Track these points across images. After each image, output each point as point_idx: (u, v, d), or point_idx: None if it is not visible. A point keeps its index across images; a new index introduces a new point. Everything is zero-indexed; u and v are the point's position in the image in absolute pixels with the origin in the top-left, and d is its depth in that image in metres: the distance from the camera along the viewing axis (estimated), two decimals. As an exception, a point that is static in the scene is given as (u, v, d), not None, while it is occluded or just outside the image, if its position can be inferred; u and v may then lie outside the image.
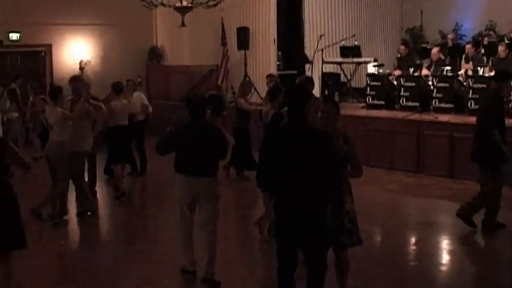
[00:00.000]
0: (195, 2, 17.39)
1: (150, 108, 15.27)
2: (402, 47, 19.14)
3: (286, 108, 9.60)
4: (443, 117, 15.03)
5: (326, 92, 19.49)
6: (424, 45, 20.03)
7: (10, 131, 15.99)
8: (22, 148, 16.17)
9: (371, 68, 19.31)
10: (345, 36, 20.91)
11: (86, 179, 12.62)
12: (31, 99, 17.92)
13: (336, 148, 6.76)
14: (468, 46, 17.75)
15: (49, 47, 22.35)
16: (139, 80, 22.16)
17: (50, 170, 11.64)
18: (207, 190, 8.32)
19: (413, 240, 10.73)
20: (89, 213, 11.92)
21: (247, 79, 19.38)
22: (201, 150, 8.21)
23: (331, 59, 20.21)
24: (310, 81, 10.61)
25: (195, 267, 8.59)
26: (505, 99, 10.51)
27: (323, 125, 7.00)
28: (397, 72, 17.88)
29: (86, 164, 12.24)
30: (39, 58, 22.68)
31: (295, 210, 6.40)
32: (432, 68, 17.36)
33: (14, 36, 21.46)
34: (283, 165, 6.43)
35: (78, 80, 12.31)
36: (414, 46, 21.22)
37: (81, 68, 22.41)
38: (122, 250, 10.25)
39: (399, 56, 19.04)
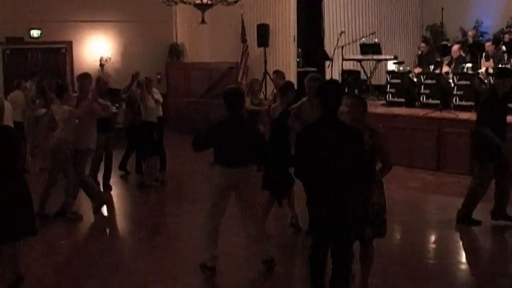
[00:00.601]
0: (215, -1, 17.40)
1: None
2: (423, 44, 19.08)
3: (294, 105, 9.69)
4: (464, 115, 14.95)
5: (346, 90, 19.45)
6: (444, 42, 19.93)
7: (38, 128, 16.10)
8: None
9: (391, 65, 19.26)
10: (365, 33, 20.88)
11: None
12: (49, 96, 17.95)
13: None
14: (488, 44, 17.66)
15: (69, 43, 22.43)
16: (159, 76, 22.33)
17: (54, 166, 11.65)
18: (247, 179, 8.53)
19: (433, 238, 10.68)
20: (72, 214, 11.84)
21: (264, 76, 19.38)
22: (240, 141, 8.40)
23: (351, 56, 20.18)
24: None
25: (215, 263, 8.61)
26: (501, 97, 10.42)
27: (351, 121, 7.06)
28: (418, 70, 17.82)
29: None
30: (59, 55, 22.76)
31: (327, 204, 6.55)
32: (453, 66, 17.30)
33: (34, 33, 21.55)
34: (316, 159, 6.56)
35: (84, 78, 12.29)
36: (434, 43, 21.13)
37: (102, 65, 22.50)
38: (141, 246, 10.28)
39: (419, 53, 18.98)
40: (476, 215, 10.65)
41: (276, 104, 10.60)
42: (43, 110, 16.06)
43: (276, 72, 14.80)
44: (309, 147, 6.65)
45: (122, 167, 15.06)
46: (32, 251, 9.38)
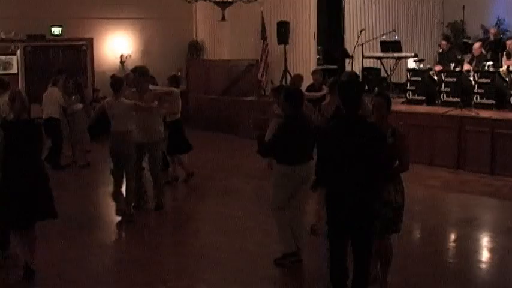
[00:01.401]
0: (235, -4, 17.41)
1: None
2: (444, 42, 18.99)
3: None
4: (485, 113, 14.89)
5: (366, 87, 19.41)
6: (465, 40, 19.82)
7: (75, 123, 16.21)
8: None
9: (411, 63, 19.18)
10: (385, 31, 20.78)
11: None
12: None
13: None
14: (510, 41, 17.52)
15: (90, 41, 22.52)
16: (179, 73, 22.34)
17: (115, 162, 11.57)
18: (310, 173, 8.56)
19: (453, 237, 10.65)
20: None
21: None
22: (305, 138, 8.54)
23: (371, 54, 20.10)
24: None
25: (301, 255, 8.77)
26: None
27: (375, 119, 7.12)
28: (438, 67, 17.74)
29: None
30: (80, 52, 22.85)
31: (347, 201, 6.56)
32: (474, 63, 17.21)
33: (56, 30, 21.64)
34: (338, 157, 6.58)
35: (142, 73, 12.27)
36: (455, 41, 21.00)
37: (122, 62, 22.57)
38: (162, 243, 10.32)
39: (440, 51, 18.89)
40: (500, 214, 10.60)
41: (326, 101, 10.59)
42: (80, 106, 16.20)
43: (314, 71, 14.94)
44: (331, 146, 6.66)
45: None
46: (52, 247, 9.42)
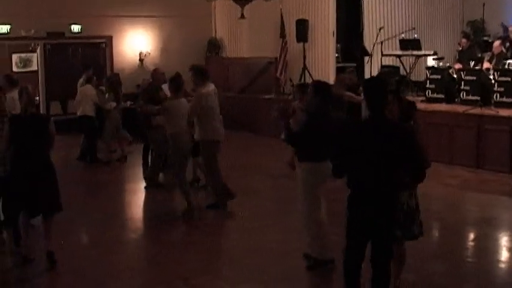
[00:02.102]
0: (254, -6, 17.41)
1: None
2: (464, 40, 18.92)
3: None
4: (505, 112, 14.79)
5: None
6: (485, 38, 19.74)
7: (109, 121, 16.28)
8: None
9: (431, 61, 19.11)
10: (404, 28, 20.73)
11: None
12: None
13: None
14: (529, 40, 17.49)
15: (109, 38, 22.57)
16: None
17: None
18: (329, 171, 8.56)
19: (472, 236, 10.61)
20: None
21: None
22: (330, 134, 8.37)
23: (390, 52, 20.06)
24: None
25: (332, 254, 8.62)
26: None
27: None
28: (458, 66, 17.68)
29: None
30: (99, 50, 22.92)
31: (369, 202, 6.41)
32: (493, 62, 17.13)
33: (75, 28, 21.71)
34: (365, 157, 6.39)
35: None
36: (475, 39, 20.92)
37: (141, 60, 22.63)
38: (181, 240, 10.36)
39: (460, 49, 18.83)
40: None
41: (361, 97, 10.59)
42: (114, 104, 16.28)
43: (351, 72, 14.79)
44: (355, 145, 6.49)
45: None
46: (70, 244, 9.46)
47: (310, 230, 8.65)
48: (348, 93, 13.89)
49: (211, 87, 11.76)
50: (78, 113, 16.48)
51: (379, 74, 12.19)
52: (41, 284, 8.36)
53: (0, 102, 9.10)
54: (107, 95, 16.45)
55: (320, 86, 8.69)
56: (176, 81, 11.60)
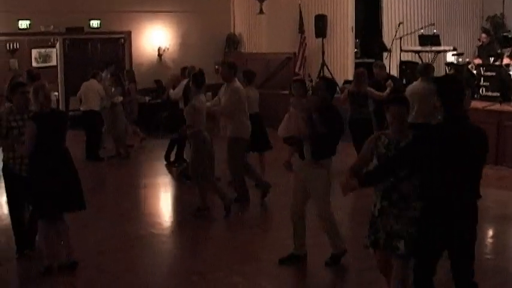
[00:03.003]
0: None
1: None
2: (483, 35, 18.82)
3: None
4: (524, 108, 14.75)
5: (404, 81, 19.30)
6: (505, 33, 19.63)
7: (117, 116, 16.29)
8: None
9: (450, 57, 19.04)
10: (423, 24, 20.64)
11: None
12: (127, 86, 18.17)
13: None
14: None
15: (128, 33, 22.60)
16: (216, 67, 22.36)
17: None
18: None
19: (491, 233, 10.55)
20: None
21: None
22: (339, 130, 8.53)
23: (409, 48, 19.99)
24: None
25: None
26: None
27: (394, 130, 6.49)
28: (477, 61, 17.59)
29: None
30: (118, 45, 22.95)
31: (452, 213, 5.89)
32: (514, 57, 17.04)
33: (94, 23, 21.75)
34: (446, 164, 5.88)
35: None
36: (495, 34, 20.81)
37: (160, 55, 22.66)
38: (198, 235, 10.37)
39: (480, 44, 18.72)
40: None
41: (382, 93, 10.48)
42: (120, 98, 16.32)
43: (379, 65, 14.73)
44: (438, 151, 5.88)
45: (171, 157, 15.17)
46: (89, 238, 9.50)
47: (331, 228, 8.65)
48: (369, 88, 13.83)
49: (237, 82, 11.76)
50: (83, 108, 16.44)
51: (420, 67, 12.22)
52: (61, 279, 8.39)
53: (26, 99, 8.83)
54: (112, 89, 16.47)
55: (332, 83, 8.86)
56: (200, 78, 11.46)
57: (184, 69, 15.00)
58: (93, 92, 16.32)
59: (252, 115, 12.56)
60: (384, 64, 15.86)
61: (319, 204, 8.57)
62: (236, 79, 11.70)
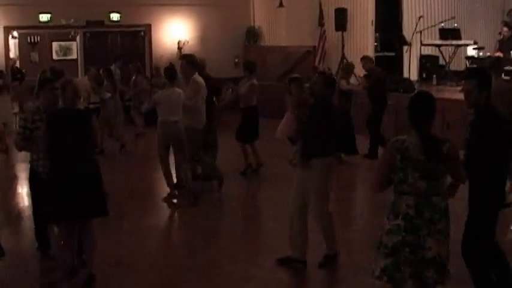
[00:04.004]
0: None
1: None
2: (505, 29, 18.70)
3: None
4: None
5: (424, 75, 19.25)
6: (526, 27, 19.52)
7: (105, 111, 16.24)
8: (117, 127, 16.62)
9: (471, 51, 18.95)
10: (444, 18, 20.54)
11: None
12: (133, 78, 18.22)
13: None
14: None
15: (148, 27, 22.67)
16: (236, 60, 22.40)
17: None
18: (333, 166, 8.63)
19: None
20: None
21: (345, 61, 19.26)
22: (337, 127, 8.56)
23: (429, 41, 19.91)
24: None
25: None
26: None
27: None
28: (498, 55, 17.49)
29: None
30: (138, 38, 23.05)
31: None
32: (535, 51, 16.94)
33: (114, 16, 21.83)
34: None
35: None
36: (516, 28, 20.69)
37: (180, 48, 22.69)
38: (216, 228, 10.40)
39: (501, 38, 18.61)
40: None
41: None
42: (108, 95, 16.24)
43: (365, 58, 14.86)
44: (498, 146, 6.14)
45: None
46: (106, 231, 9.52)
47: (327, 228, 8.48)
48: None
49: None
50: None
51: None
52: (79, 271, 8.42)
53: (54, 96, 8.61)
54: (105, 83, 16.43)
55: (331, 78, 8.60)
56: (171, 72, 11.66)
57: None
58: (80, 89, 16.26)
59: (251, 107, 13.35)
60: (370, 57, 15.91)
61: (313, 204, 8.39)
62: (196, 74, 11.79)
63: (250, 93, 13.37)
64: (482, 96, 6.47)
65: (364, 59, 15.29)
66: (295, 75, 9.75)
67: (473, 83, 6.47)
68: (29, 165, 8.51)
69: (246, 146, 13.50)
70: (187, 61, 11.78)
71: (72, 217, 7.87)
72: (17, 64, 21.82)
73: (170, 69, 11.67)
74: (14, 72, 20.16)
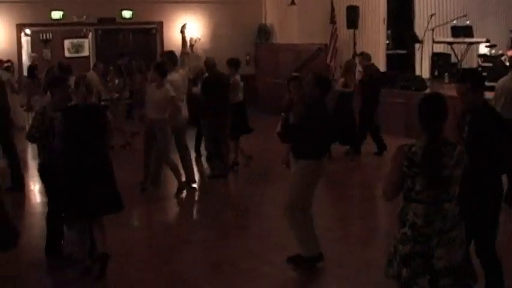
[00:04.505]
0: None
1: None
2: (517, 27, 18.68)
3: None
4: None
5: (436, 73, 19.21)
6: (539, 25, 19.49)
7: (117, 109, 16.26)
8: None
9: (483, 49, 18.91)
10: (456, 15, 20.51)
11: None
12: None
13: None
14: None
15: (160, 24, 22.70)
16: (247, 57, 22.41)
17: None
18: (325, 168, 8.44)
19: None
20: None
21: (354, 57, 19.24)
22: (329, 128, 8.24)
23: (441, 39, 19.88)
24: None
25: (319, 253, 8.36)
26: None
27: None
28: (510, 53, 17.47)
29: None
30: (150, 35, 23.10)
31: None
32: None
33: (126, 14, 21.88)
34: None
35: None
36: (529, 26, 20.65)
37: (191, 46, 22.70)
38: (227, 225, 10.42)
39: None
40: None
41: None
42: (115, 95, 16.23)
43: (362, 54, 14.85)
44: None
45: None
46: (119, 227, 9.55)
47: (293, 228, 8.32)
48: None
49: None
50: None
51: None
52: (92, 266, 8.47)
53: (67, 94, 8.65)
54: (116, 81, 16.42)
55: (322, 78, 8.29)
56: (163, 68, 11.86)
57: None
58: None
59: (236, 104, 13.44)
60: (367, 54, 15.86)
61: (284, 199, 8.33)
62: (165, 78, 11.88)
63: (234, 90, 13.45)
64: (479, 97, 6.50)
65: (361, 55, 15.35)
66: (295, 74, 9.76)
67: (467, 85, 6.48)
68: (41, 161, 8.53)
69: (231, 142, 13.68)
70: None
71: (88, 214, 7.94)
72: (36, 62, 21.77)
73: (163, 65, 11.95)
74: (33, 70, 20.10)
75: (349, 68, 15.04)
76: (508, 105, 10.46)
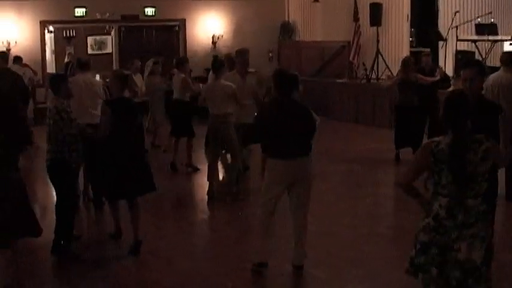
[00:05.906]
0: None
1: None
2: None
3: None
4: None
5: (460, 71, 19.05)
6: None
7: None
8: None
9: (508, 46, 18.75)
10: (480, 13, 20.35)
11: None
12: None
13: None
14: None
15: (183, 21, 22.74)
16: (270, 55, 22.39)
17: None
18: (306, 171, 7.95)
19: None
20: None
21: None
22: (297, 127, 7.75)
23: (465, 37, 19.74)
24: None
25: (265, 257, 8.22)
26: None
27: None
28: (535, 51, 17.31)
29: None
30: (173, 32, 23.13)
31: None
32: None
33: (149, 11, 21.94)
34: None
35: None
36: (554, 23, 20.47)
37: (214, 43, 22.73)
38: (251, 222, 10.37)
39: (538, 33, 18.43)
40: None
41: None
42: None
43: (427, 54, 14.77)
44: None
45: None
46: (144, 224, 9.56)
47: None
48: (418, 75, 13.88)
49: None
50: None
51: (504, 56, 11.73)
52: (115, 262, 8.48)
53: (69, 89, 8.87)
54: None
55: (283, 74, 7.99)
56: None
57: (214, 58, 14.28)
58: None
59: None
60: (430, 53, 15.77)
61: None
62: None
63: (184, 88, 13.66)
64: (481, 85, 6.81)
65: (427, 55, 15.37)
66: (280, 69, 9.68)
67: (475, 70, 6.65)
68: (52, 156, 8.51)
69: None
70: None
71: (128, 195, 8.77)
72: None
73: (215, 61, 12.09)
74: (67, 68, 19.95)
75: (405, 63, 14.46)
76: (503, 101, 10.33)
